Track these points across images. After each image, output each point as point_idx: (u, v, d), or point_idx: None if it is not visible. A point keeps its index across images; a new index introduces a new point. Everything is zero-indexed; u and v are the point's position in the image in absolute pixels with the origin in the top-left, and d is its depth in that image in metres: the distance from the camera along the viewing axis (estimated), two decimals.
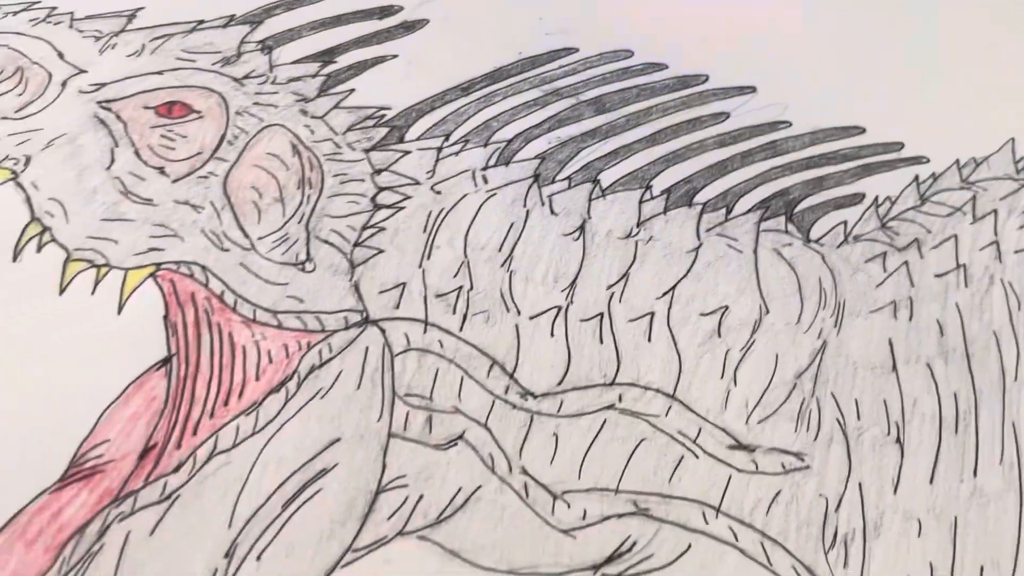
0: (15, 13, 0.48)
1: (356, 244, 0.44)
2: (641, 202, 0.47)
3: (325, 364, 0.41)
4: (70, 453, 0.39)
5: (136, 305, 0.42)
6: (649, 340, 0.43)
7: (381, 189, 0.46)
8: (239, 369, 0.41)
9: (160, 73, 0.47)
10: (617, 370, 0.43)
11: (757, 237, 0.47)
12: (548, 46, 0.50)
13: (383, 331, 0.42)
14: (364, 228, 0.45)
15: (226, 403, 0.40)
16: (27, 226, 0.43)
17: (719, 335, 0.44)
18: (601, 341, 0.43)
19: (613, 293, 0.44)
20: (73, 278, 0.42)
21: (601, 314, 0.44)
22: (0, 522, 0.37)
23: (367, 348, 0.42)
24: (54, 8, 0.48)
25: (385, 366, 0.42)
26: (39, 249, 0.43)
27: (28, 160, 0.44)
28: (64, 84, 0.46)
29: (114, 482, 0.38)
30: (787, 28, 0.53)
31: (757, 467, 0.41)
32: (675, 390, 0.43)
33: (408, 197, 0.46)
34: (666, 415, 0.42)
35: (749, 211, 0.48)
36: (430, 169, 0.47)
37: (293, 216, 0.44)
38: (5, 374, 0.40)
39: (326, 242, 0.44)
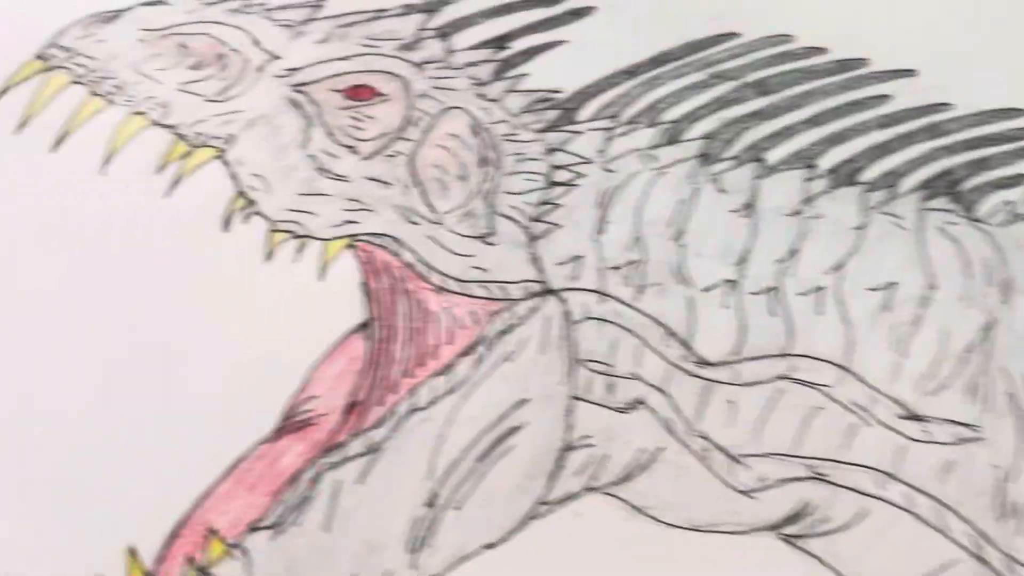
0: (213, 4, 0.51)
1: (534, 219, 0.46)
2: (806, 181, 0.48)
3: (510, 330, 0.44)
4: (282, 407, 0.42)
5: (336, 272, 0.45)
6: (820, 313, 0.45)
7: (555, 168, 0.48)
8: (432, 333, 0.44)
9: (347, 59, 0.50)
10: (789, 341, 0.44)
11: (922, 215, 0.48)
12: (710, 31, 0.52)
13: (563, 301, 0.44)
14: (541, 204, 0.47)
15: (421, 364, 0.43)
16: (234, 199, 0.46)
17: (888, 309, 0.45)
18: (773, 313, 0.45)
19: (782, 268, 0.46)
20: (277, 246, 0.45)
21: (771, 288, 0.45)
22: (224, 468, 0.40)
23: (549, 316, 0.44)
24: None
25: (566, 333, 0.44)
26: (246, 220, 0.46)
27: (232, 139, 0.47)
28: (260, 69, 0.49)
29: (323, 434, 0.41)
30: (946, 11, 0.53)
31: (930, 437, 0.42)
32: (846, 361, 0.44)
33: (581, 175, 0.48)
34: (839, 385, 0.43)
35: (913, 190, 0.48)
36: (601, 148, 0.49)
37: (475, 193, 0.47)
38: (221, 334, 0.43)
39: (506, 217, 0.46)
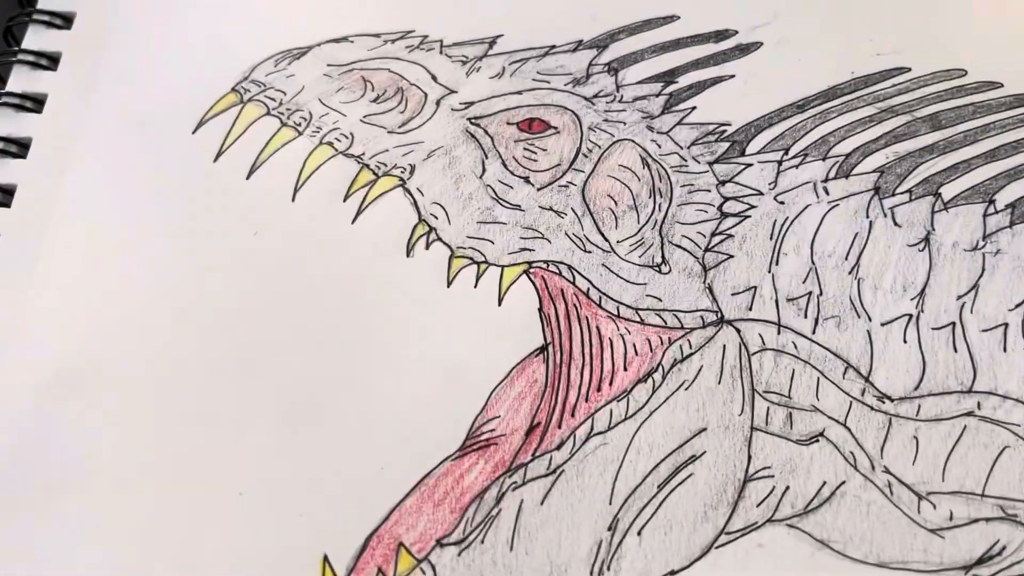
0: (393, 41, 0.54)
1: (706, 249, 0.47)
2: (985, 216, 0.47)
3: (686, 359, 0.44)
4: (466, 426, 0.43)
5: (513, 298, 0.46)
6: (1004, 350, 0.44)
7: (726, 199, 0.48)
8: (608, 359, 0.44)
9: (519, 93, 0.52)
10: (974, 378, 0.43)
11: None
12: (880, 66, 0.52)
13: (738, 331, 0.45)
14: (713, 235, 0.47)
15: (599, 389, 0.44)
16: (416, 226, 0.48)
17: None
18: (955, 349, 0.44)
19: (964, 303, 0.45)
20: (458, 273, 0.47)
21: (953, 323, 0.44)
22: (411, 485, 0.42)
23: (724, 345, 0.44)
24: (426, 36, 0.54)
25: (743, 363, 0.44)
26: (427, 247, 0.48)
27: (413, 169, 0.50)
28: (438, 103, 0.52)
29: (506, 454, 0.42)
30: None
31: None
32: None
33: (753, 206, 0.48)
34: None
35: None
36: (772, 180, 0.49)
37: (647, 222, 0.48)
38: (406, 356, 0.45)
39: (679, 247, 0.47)
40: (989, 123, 0.50)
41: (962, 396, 0.43)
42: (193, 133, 0.52)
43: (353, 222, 0.49)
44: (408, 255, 0.48)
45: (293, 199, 0.49)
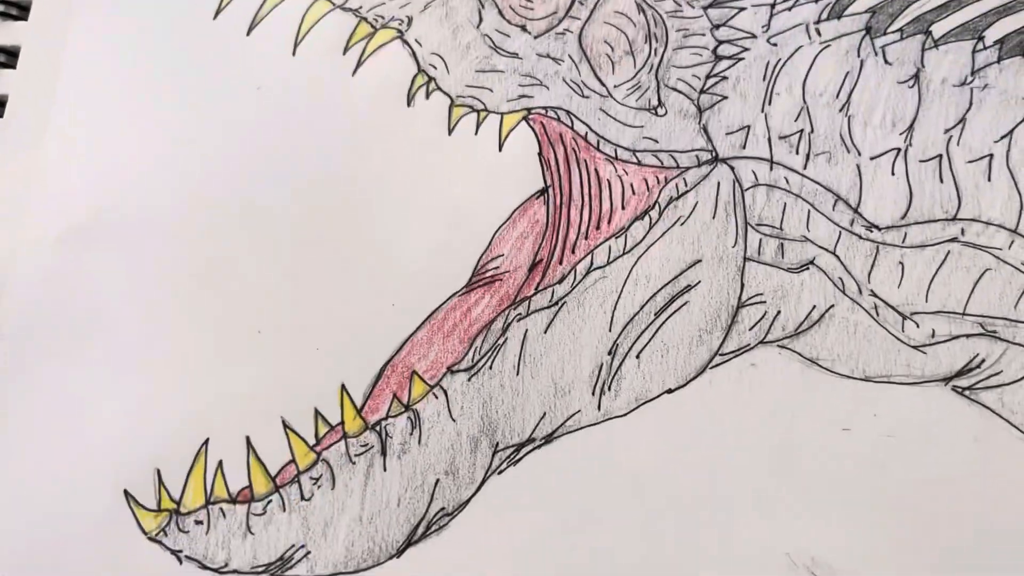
0: None
1: (701, 91, 0.48)
2: (974, 52, 0.48)
3: (682, 196, 0.46)
4: (472, 264, 0.45)
5: (514, 143, 0.47)
6: (989, 180, 0.45)
7: (720, 42, 0.49)
8: (606, 199, 0.46)
9: None
10: (958, 207, 0.45)
11: None
12: None
13: (732, 168, 0.46)
14: (708, 77, 0.48)
15: (597, 227, 0.45)
16: (415, 76, 0.49)
17: None
18: (941, 180, 0.45)
19: (951, 136, 0.46)
20: (459, 120, 0.48)
21: (940, 155, 0.46)
22: (421, 318, 0.44)
23: (719, 182, 0.46)
24: None
25: (736, 198, 0.45)
26: (427, 96, 0.49)
27: (410, 21, 0.50)
28: None
29: (510, 289, 0.44)
30: None
31: None
32: (1017, 226, 0.44)
33: (746, 49, 0.49)
34: (1009, 248, 0.44)
35: None
36: (765, 23, 0.49)
37: (643, 67, 0.49)
38: (413, 202, 0.46)
39: (674, 89, 0.48)
40: None
41: (947, 223, 0.45)
42: None
43: (353, 74, 0.49)
44: (409, 105, 0.48)
45: (293, 54, 0.50)
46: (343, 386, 0.42)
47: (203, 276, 0.45)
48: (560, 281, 0.44)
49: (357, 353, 0.43)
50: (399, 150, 0.48)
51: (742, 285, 0.44)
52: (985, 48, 0.49)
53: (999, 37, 0.49)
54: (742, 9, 0.50)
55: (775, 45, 0.49)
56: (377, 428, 0.43)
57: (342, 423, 0.43)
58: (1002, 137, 0.46)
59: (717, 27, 0.49)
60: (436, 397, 0.42)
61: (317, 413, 0.43)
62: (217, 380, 0.43)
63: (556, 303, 0.44)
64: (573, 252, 0.45)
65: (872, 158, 0.46)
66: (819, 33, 0.49)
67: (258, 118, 0.49)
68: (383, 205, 0.47)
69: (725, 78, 0.48)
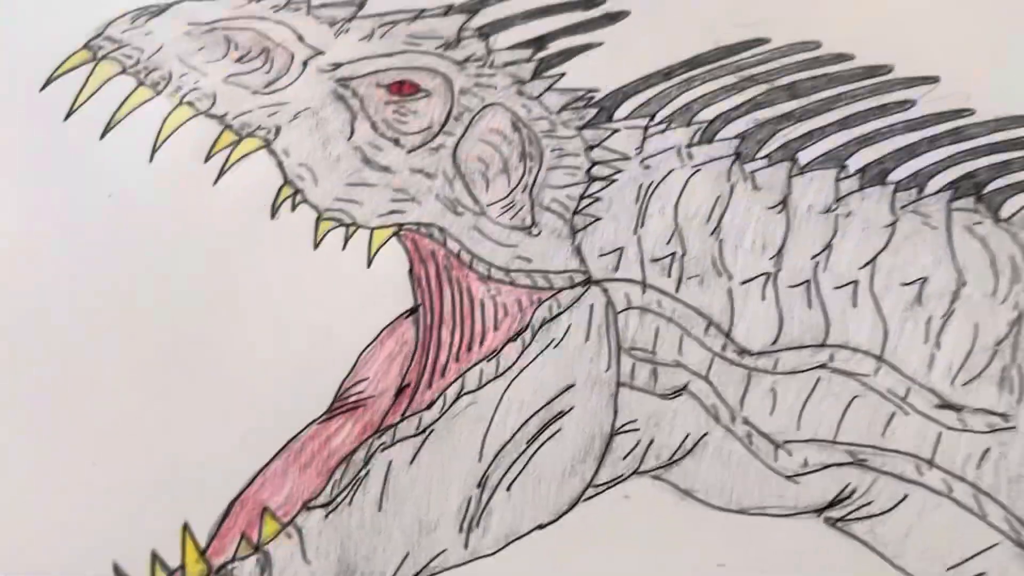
0: (259, 0, 0.52)
1: (575, 212, 0.48)
2: (838, 180, 0.50)
3: (555, 318, 0.45)
4: (334, 389, 0.42)
5: (383, 260, 0.46)
6: (855, 306, 0.46)
7: (594, 163, 0.49)
8: (478, 319, 0.44)
9: (390, 55, 0.51)
10: (826, 332, 0.45)
11: (949, 215, 0.49)
12: (742, 36, 0.54)
13: (605, 290, 0.45)
14: (581, 198, 0.48)
15: (469, 349, 0.44)
16: (281, 188, 0.47)
17: (920, 303, 0.46)
18: (810, 306, 0.46)
19: (818, 262, 0.47)
20: (325, 235, 0.46)
21: (808, 281, 0.46)
22: (276, 449, 0.41)
23: (592, 305, 0.45)
24: None
25: (610, 321, 0.45)
26: (293, 208, 0.47)
27: (278, 130, 0.48)
28: (305, 64, 0.50)
29: (375, 416, 0.42)
30: (967, 21, 0.55)
31: (965, 425, 0.43)
32: (882, 352, 0.45)
33: (620, 171, 0.49)
34: (875, 375, 0.44)
35: (940, 191, 0.50)
36: (638, 146, 0.50)
37: (517, 185, 0.48)
38: (272, 320, 0.44)
39: (548, 209, 0.48)
40: (842, 93, 0.53)
41: (816, 350, 0.45)
42: (41, 91, 0.49)
43: (215, 183, 0.47)
44: (273, 217, 0.46)
45: (151, 160, 0.47)
46: (185, 525, 0.38)
47: (33, 400, 0.41)
48: (428, 407, 0.42)
49: (203, 487, 0.40)
50: (261, 265, 0.45)
51: (616, 411, 0.43)
52: (848, 176, 0.50)
53: (861, 166, 0.50)
54: (616, 131, 0.50)
55: (648, 167, 0.49)
56: (222, 572, 0.39)
57: (182, 567, 0.39)
58: (866, 264, 0.47)
59: (591, 148, 0.49)
60: (289, 536, 0.39)
61: (155, 556, 0.39)
62: (43, 521, 0.39)
63: (423, 431, 0.42)
64: (443, 375, 0.43)
65: (743, 282, 0.46)
66: (690, 157, 0.50)
67: (108, 228, 0.46)
68: (240, 323, 0.44)
69: (599, 199, 0.48)
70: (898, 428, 0.43)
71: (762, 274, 0.47)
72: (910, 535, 0.41)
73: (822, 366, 0.44)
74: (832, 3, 0.55)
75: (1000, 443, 0.43)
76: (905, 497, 0.42)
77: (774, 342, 0.45)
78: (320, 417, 0.42)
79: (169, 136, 0.48)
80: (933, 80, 0.53)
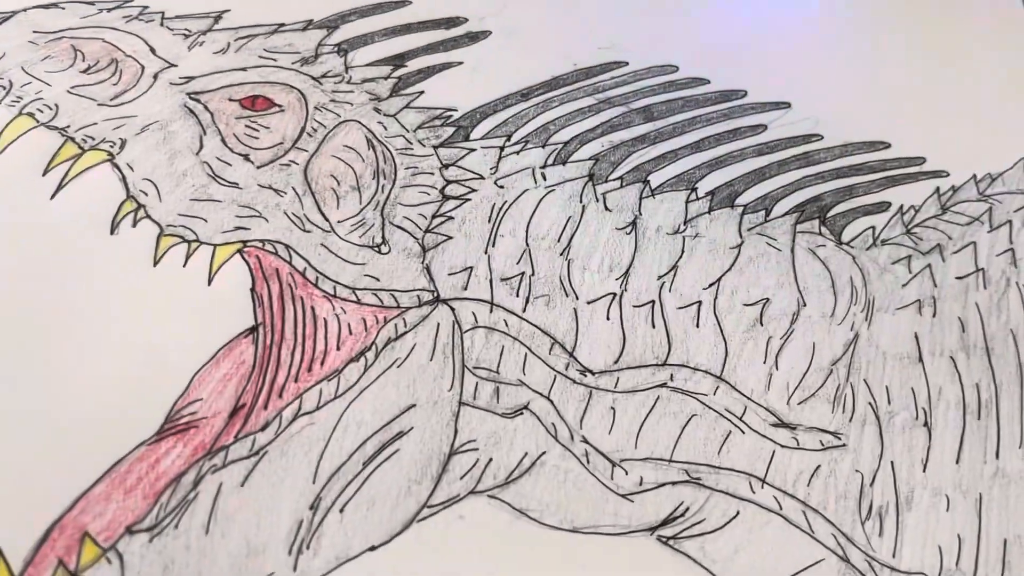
0: (109, 10, 0.51)
1: (427, 231, 0.48)
2: (687, 202, 0.51)
3: (400, 337, 0.44)
4: (166, 410, 0.41)
5: (225, 277, 0.45)
6: (697, 326, 0.47)
7: (449, 182, 0.49)
8: (321, 339, 0.44)
9: (244, 69, 0.51)
10: (668, 352, 0.46)
11: (794, 237, 0.51)
12: (600, 59, 0.55)
13: (453, 309, 0.45)
14: (434, 216, 0.48)
15: (309, 369, 0.43)
16: (123, 203, 0.46)
17: (761, 324, 0.47)
18: (653, 326, 0.47)
19: (663, 283, 0.48)
20: (166, 251, 0.45)
21: (652, 301, 0.47)
22: (101, 471, 0.40)
23: (438, 324, 0.45)
24: (146, 7, 0.52)
25: (455, 341, 0.45)
26: (134, 224, 0.46)
27: (123, 143, 0.47)
28: (156, 76, 0.50)
29: (207, 437, 0.41)
30: (819, 50, 0.57)
31: (798, 444, 0.45)
32: (722, 372, 0.46)
33: (474, 190, 0.49)
34: (714, 394, 0.45)
35: (786, 214, 0.52)
36: (493, 166, 0.50)
37: (369, 203, 0.48)
38: (107, 337, 0.43)
39: (399, 227, 0.47)
40: (696, 116, 0.54)
41: (657, 369, 0.45)
42: None
43: (52, 197, 0.46)
44: (112, 232, 0.45)
45: None
46: None
47: None
48: (263, 428, 0.41)
49: (20, 510, 0.38)
50: (98, 281, 0.44)
51: (456, 431, 0.43)
52: (697, 199, 0.51)
53: (710, 189, 0.51)
54: (472, 150, 0.50)
55: (502, 187, 0.50)
56: None
57: None
58: (710, 285, 0.48)
59: (446, 167, 0.50)
60: (109, 562, 0.38)
61: None
62: None
63: (256, 453, 0.41)
64: (280, 396, 0.42)
65: (589, 302, 0.47)
66: (544, 177, 0.50)
67: None
68: (71, 341, 0.42)
69: (451, 218, 0.48)
70: (734, 447, 0.44)
71: (608, 294, 0.47)
72: (739, 552, 0.42)
73: (662, 385, 0.45)
74: (688, 29, 0.57)
75: (831, 460, 0.44)
76: (737, 514, 0.43)
77: (616, 361, 0.46)
78: (150, 438, 0.41)
79: (6, 147, 0.47)
80: (785, 106, 0.55)
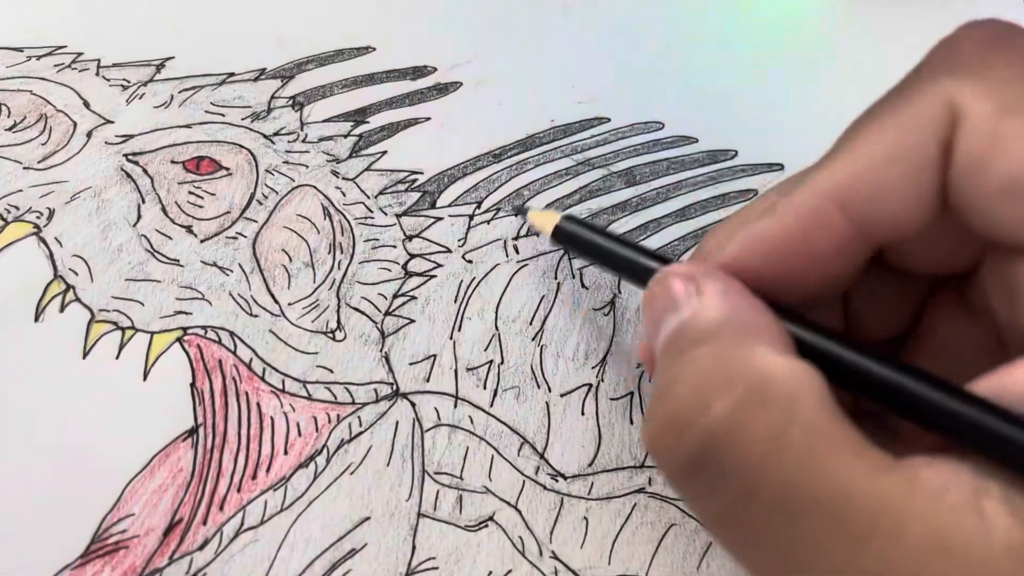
0: (39, 57, 0.46)
1: (386, 313, 0.44)
2: None
3: (355, 438, 0.41)
4: (93, 528, 0.37)
5: (162, 371, 0.41)
6: None
7: (412, 256, 0.45)
8: (267, 441, 0.40)
9: (188, 127, 0.46)
10: (647, 453, 0.42)
11: None
12: (580, 115, 0.50)
13: (413, 405, 0.42)
14: (395, 296, 0.44)
15: (254, 476, 0.39)
16: (50, 284, 0.42)
17: None
18: (631, 421, 0.43)
19: (643, 371, 0.44)
20: (97, 341, 0.41)
21: (631, 392, 0.44)
22: None
23: (397, 422, 0.41)
24: (80, 54, 0.47)
25: (415, 442, 0.41)
26: (62, 309, 0.41)
27: (52, 214, 0.43)
28: (89, 135, 0.45)
29: (138, 559, 0.37)
30: (814, 107, 0.53)
31: None
32: None
33: (439, 265, 0.45)
34: None
35: None
36: (461, 237, 0.46)
37: (324, 282, 0.44)
38: (25, 441, 0.38)
39: (357, 310, 0.43)
40: (682, 180, 0.50)
41: (635, 472, 0.42)
42: None
43: None
44: (37, 320, 0.41)
45: None
46: None
47: None
48: (202, 547, 0.38)
49: None
50: (17, 375, 0.40)
51: (414, 548, 0.39)
52: None
53: None
54: (438, 219, 0.46)
55: (471, 262, 0.46)
56: None
57: None
58: None
59: (410, 238, 0.45)
60: None
61: None
62: None
63: (194, 575, 0.37)
64: (221, 509, 0.39)
65: (563, 395, 0.43)
66: (516, 251, 0.46)
67: None
68: None
69: (414, 298, 0.44)
70: (714, 560, 0.41)
71: (584, 385, 0.43)
72: None
73: (640, 490, 0.42)
74: (678, 83, 0.52)
75: None
76: None
77: (591, 463, 0.42)
78: (74, 562, 0.37)
79: None
80: (777, 167, 0.51)
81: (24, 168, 0.44)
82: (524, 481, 0.41)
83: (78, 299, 0.41)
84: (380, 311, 0.44)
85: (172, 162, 0.45)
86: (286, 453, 0.40)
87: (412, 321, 0.44)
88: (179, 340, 0.42)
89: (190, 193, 0.44)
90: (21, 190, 0.43)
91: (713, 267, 0.29)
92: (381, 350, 0.43)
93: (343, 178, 0.46)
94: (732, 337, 0.25)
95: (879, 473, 0.22)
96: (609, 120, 0.51)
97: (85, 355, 0.41)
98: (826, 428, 0.23)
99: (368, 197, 0.46)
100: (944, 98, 0.25)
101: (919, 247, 0.29)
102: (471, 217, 0.47)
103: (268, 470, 0.40)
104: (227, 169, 0.45)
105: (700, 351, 0.25)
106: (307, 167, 0.46)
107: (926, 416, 0.25)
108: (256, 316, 0.42)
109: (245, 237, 0.44)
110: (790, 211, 0.27)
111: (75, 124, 0.45)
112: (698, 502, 0.25)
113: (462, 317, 0.44)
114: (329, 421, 0.41)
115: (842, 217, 0.26)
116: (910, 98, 0.26)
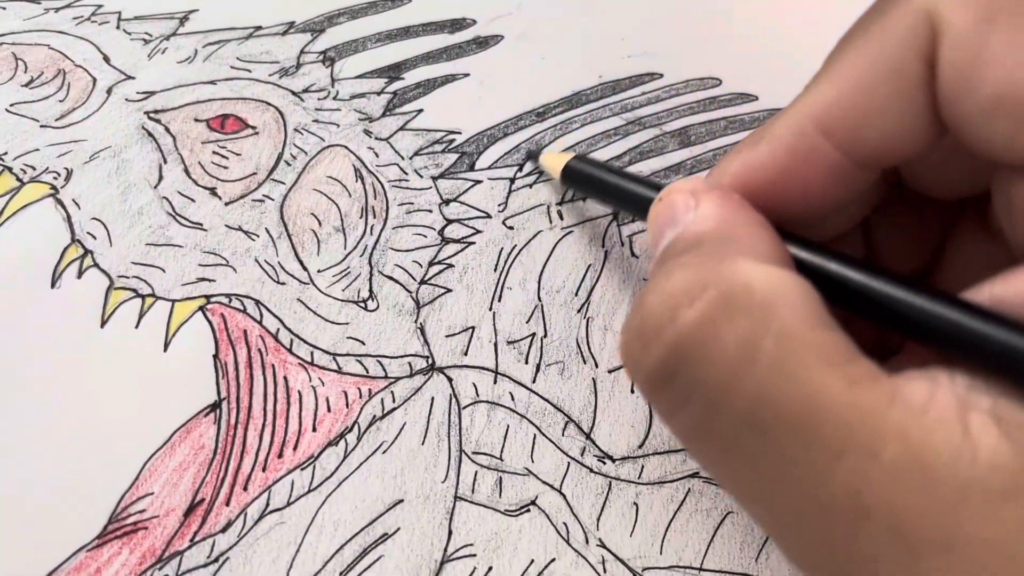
0: (57, 10, 0.44)
1: (422, 282, 0.41)
2: None
3: (387, 415, 0.38)
4: (110, 507, 0.35)
5: (184, 341, 0.38)
6: None
7: (449, 221, 0.42)
8: (295, 417, 0.38)
9: (213, 83, 0.44)
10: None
11: None
12: (630, 70, 0.47)
13: (450, 380, 0.39)
14: (431, 264, 0.41)
15: (280, 455, 0.37)
16: (67, 249, 0.39)
17: None
18: None
19: None
20: (116, 309, 0.38)
21: None
22: None
23: (433, 399, 0.38)
24: (100, 6, 0.45)
25: (452, 420, 0.38)
26: (79, 275, 0.39)
27: (70, 174, 0.40)
28: (109, 91, 0.43)
29: (157, 541, 0.35)
30: None
31: None
32: None
33: (478, 231, 0.42)
34: None
35: None
36: (502, 201, 0.43)
37: (355, 248, 0.41)
38: (41, 416, 0.36)
39: (390, 278, 0.41)
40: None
41: (688, 454, 0.39)
42: None
43: None
44: (53, 286, 0.39)
45: None
46: None
47: None
48: (224, 529, 0.35)
49: None
50: (33, 346, 0.38)
51: (450, 533, 0.36)
52: None
53: None
54: (477, 182, 0.43)
55: (511, 228, 0.42)
56: None
57: None
58: None
59: (447, 202, 0.42)
60: None
61: None
62: None
63: (216, 560, 0.35)
64: (245, 489, 0.36)
65: (610, 371, 0.40)
66: (561, 216, 0.43)
67: None
68: (1, 421, 0.36)
69: (451, 266, 0.41)
70: (774, 552, 0.38)
71: None
72: None
73: (694, 475, 0.38)
74: (735, 35, 0.49)
75: None
76: None
77: (641, 445, 0.39)
78: (90, 543, 0.35)
79: None
80: None
81: (41, 126, 0.41)
82: (569, 463, 0.38)
83: (96, 264, 0.39)
84: (415, 279, 0.41)
85: (195, 120, 0.43)
86: (314, 430, 0.38)
87: (449, 290, 0.41)
88: (202, 309, 0.39)
89: (214, 153, 0.42)
90: (38, 149, 0.41)
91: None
92: (416, 321, 0.40)
93: (376, 138, 0.43)
94: (713, 246, 0.24)
95: (857, 386, 0.20)
96: (662, 76, 0.47)
97: (103, 324, 0.38)
98: (803, 339, 0.21)
99: (402, 158, 0.43)
100: (922, 10, 0.23)
101: (930, 170, 0.28)
102: (512, 180, 0.44)
103: (295, 448, 0.37)
104: (253, 128, 0.43)
105: (678, 260, 0.24)
106: (338, 126, 0.43)
107: (915, 326, 0.23)
108: (283, 284, 0.40)
109: (272, 200, 0.41)
110: (775, 140, 0.26)
111: (94, 80, 0.43)
112: (669, 417, 0.24)
113: (502, 287, 0.41)
114: (360, 396, 0.38)
115: (827, 142, 0.25)
116: (887, 13, 0.24)
